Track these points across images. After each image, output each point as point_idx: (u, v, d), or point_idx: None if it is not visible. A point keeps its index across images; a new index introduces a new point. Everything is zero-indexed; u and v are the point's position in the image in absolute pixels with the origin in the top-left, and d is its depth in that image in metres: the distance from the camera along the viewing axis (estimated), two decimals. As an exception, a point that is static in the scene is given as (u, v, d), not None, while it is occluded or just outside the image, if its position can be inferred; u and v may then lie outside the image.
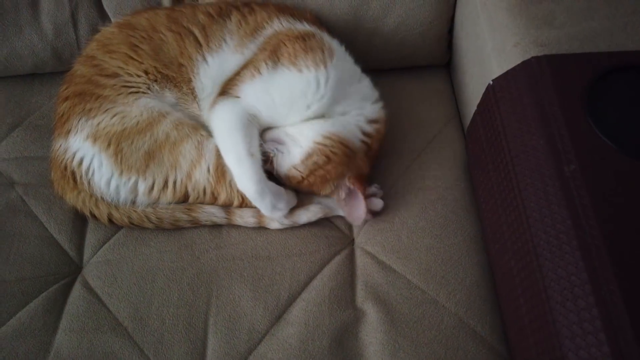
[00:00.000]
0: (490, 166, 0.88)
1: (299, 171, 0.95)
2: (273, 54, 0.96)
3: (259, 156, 0.94)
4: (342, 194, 0.97)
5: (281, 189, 0.96)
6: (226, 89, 0.99)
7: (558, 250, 0.68)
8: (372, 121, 1.01)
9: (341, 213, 1.00)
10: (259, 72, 0.95)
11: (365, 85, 1.03)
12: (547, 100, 0.78)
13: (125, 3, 1.16)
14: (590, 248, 0.66)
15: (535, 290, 0.71)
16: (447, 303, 0.90)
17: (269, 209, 0.94)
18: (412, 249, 0.96)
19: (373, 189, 1.00)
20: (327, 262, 0.96)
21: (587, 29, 0.86)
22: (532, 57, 0.83)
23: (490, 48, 0.93)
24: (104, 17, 1.18)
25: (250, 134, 0.94)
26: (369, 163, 1.01)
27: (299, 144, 0.95)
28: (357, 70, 1.04)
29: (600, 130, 0.75)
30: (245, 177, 0.93)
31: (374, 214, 0.99)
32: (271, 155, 0.97)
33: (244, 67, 0.99)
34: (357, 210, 0.95)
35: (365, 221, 0.99)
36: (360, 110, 1.00)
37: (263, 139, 0.97)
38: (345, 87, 0.98)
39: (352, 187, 0.95)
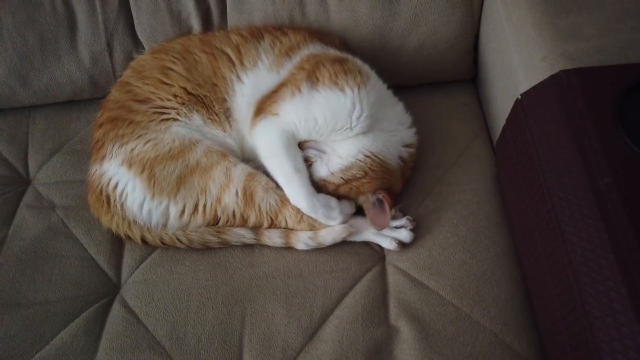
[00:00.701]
0: (522, 181, 0.87)
1: (335, 179, 0.98)
2: (312, 73, 0.98)
3: (305, 171, 0.98)
4: (372, 198, 0.98)
5: (331, 200, 0.99)
6: (263, 107, 1.02)
7: (595, 265, 0.67)
8: (407, 145, 1.04)
9: (366, 238, 1.01)
10: (300, 91, 0.97)
11: (399, 109, 1.06)
12: (577, 114, 0.78)
13: (158, 31, 1.20)
14: (628, 262, 0.65)
15: (572, 305, 0.70)
16: (482, 319, 0.89)
17: (324, 219, 0.98)
18: (444, 264, 0.96)
19: (404, 220, 1.00)
20: (358, 279, 0.97)
21: (616, 41, 0.85)
22: (561, 71, 0.83)
23: (518, 62, 0.94)
24: (137, 45, 1.23)
25: (293, 151, 0.99)
26: (403, 184, 1.03)
27: (340, 155, 0.98)
28: (390, 94, 1.07)
29: (634, 142, 0.74)
30: (295, 194, 0.97)
31: (402, 245, 0.99)
32: (312, 160, 1.00)
33: (282, 85, 1.01)
34: (380, 219, 0.97)
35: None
36: (397, 132, 1.03)
37: (303, 146, 1.01)
38: (382, 108, 1.01)
39: (382, 197, 0.97)
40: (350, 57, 1.06)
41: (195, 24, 1.21)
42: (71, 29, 1.19)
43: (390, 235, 0.99)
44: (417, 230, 1.01)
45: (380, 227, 0.98)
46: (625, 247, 0.66)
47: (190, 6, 1.19)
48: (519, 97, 0.88)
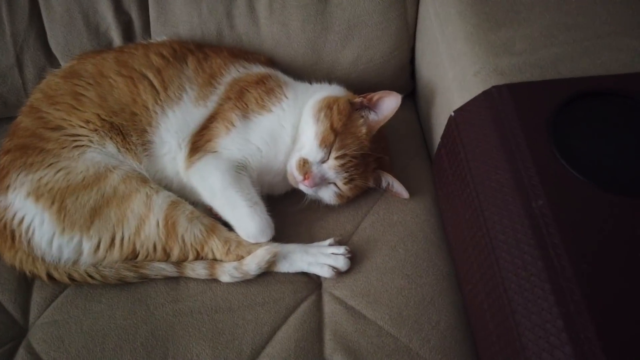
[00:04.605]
0: (457, 202, 0.83)
1: (324, 126, 0.95)
2: (239, 101, 0.98)
3: (262, 203, 0.94)
4: (357, 104, 0.99)
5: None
6: (198, 145, 0.97)
7: (530, 295, 0.63)
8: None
9: (300, 269, 0.94)
10: (232, 125, 0.97)
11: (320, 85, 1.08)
12: (510, 132, 0.75)
13: (74, 44, 1.11)
14: (565, 291, 0.61)
15: (509, 338, 0.65)
16: (421, 350, 0.84)
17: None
18: (382, 291, 0.91)
19: (342, 249, 0.94)
20: (292, 310, 0.90)
21: (548, 55, 0.83)
22: (493, 87, 0.80)
23: (451, 78, 0.90)
24: (51, 59, 1.13)
25: (244, 185, 0.94)
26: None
27: (308, 133, 0.97)
28: (308, 85, 1.09)
29: (568, 162, 0.71)
30: (257, 230, 0.92)
31: (339, 273, 0.93)
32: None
33: (212, 120, 0.99)
34: (387, 102, 0.96)
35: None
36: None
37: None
38: (305, 92, 1.04)
39: (359, 98, 0.99)
40: (272, 71, 1.06)
41: (116, 37, 1.12)
42: (-26, 44, 1.08)
43: (326, 262, 0.93)
44: (355, 254, 0.95)
45: (395, 99, 0.95)
46: (561, 275, 0.62)
47: (109, 18, 1.11)
48: (452, 114, 0.84)
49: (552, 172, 0.70)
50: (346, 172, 0.95)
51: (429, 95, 1.07)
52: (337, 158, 0.94)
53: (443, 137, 0.90)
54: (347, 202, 1.01)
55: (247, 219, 0.92)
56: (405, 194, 1.01)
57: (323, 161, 0.95)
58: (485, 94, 0.79)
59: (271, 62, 1.12)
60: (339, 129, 0.94)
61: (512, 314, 0.64)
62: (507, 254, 0.67)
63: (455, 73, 0.89)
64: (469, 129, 0.80)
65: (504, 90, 0.78)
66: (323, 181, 0.96)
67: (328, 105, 0.96)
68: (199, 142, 0.98)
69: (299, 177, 0.95)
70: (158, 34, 1.13)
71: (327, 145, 0.94)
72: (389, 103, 0.95)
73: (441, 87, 0.97)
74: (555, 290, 0.61)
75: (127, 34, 1.13)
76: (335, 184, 0.97)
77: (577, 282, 0.60)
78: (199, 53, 1.05)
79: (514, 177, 0.71)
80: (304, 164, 0.95)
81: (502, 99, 0.78)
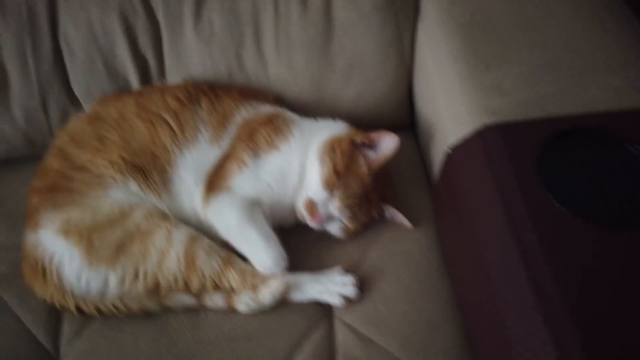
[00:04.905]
0: (455, 232, 0.89)
1: (327, 169, 1.01)
2: (250, 141, 1.05)
3: (275, 236, 1.00)
4: (358, 144, 1.03)
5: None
6: (214, 183, 1.04)
7: (527, 326, 0.68)
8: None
9: (312, 297, 0.99)
10: (244, 164, 1.03)
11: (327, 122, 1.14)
12: (500, 168, 0.81)
13: (95, 87, 1.19)
14: (557, 323, 0.65)
15: (507, 362, 0.71)
16: (427, 373, 0.90)
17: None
18: (389, 317, 0.96)
19: (350, 277, 0.99)
20: (306, 337, 0.95)
21: (534, 95, 0.89)
22: (485, 126, 0.85)
23: (445, 115, 0.96)
24: (74, 101, 1.20)
25: (258, 220, 1.00)
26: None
27: (313, 175, 1.02)
28: (314, 121, 1.14)
29: (553, 195, 0.77)
30: (272, 262, 0.98)
31: (349, 301, 0.98)
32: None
33: (226, 159, 1.05)
34: (385, 142, 1.01)
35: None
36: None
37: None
38: (311, 129, 1.09)
39: (360, 139, 1.03)
40: (279, 110, 1.13)
41: (133, 79, 1.20)
42: (2, 87, 1.15)
43: (336, 290, 0.98)
44: (363, 282, 1.01)
45: (393, 140, 1.00)
46: (551, 306, 0.66)
47: (127, 61, 1.18)
48: (449, 150, 0.91)
49: (540, 207, 0.76)
50: (350, 210, 1.01)
51: (427, 129, 1.13)
52: (340, 198, 1.00)
53: (440, 171, 0.96)
54: (354, 234, 1.07)
55: (262, 252, 0.98)
56: (407, 225, 1.06)
57: (328, 200, 1.02)
58: (478, 132, 0.85)
59: (279, 100, 1.19)
60: (341, 170, 1.00)
61: (509, 346, 0.70)
62: (502, 285, 0.73)
63: (449, 111, 0.95)
64: (462, 165, 0.86)
65: (494, 129, 0.84)
66: (329, 219, 1.03)
67: (331, 147, 1.03)
68: (214, 181, 1.04)
69: (307, 216, 1.02)
70: (173, 75, 1.20)
71: (330, 186, 1.00)
72: (388, 143, 1.01)
73: (438, 123, 1.03)
74: (548, 322, 0.65)
75: (144, 76, 1.20)
76: (340, 220, 1.03)
77: (568, 313, 0.65)
78: (212, 94, 1.12)
79: (505, 211, 0.76)
80: (311, 204, 1.02)
81: (493, 137, 0.84)
